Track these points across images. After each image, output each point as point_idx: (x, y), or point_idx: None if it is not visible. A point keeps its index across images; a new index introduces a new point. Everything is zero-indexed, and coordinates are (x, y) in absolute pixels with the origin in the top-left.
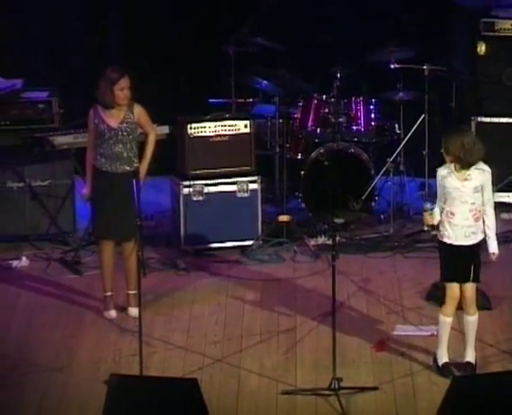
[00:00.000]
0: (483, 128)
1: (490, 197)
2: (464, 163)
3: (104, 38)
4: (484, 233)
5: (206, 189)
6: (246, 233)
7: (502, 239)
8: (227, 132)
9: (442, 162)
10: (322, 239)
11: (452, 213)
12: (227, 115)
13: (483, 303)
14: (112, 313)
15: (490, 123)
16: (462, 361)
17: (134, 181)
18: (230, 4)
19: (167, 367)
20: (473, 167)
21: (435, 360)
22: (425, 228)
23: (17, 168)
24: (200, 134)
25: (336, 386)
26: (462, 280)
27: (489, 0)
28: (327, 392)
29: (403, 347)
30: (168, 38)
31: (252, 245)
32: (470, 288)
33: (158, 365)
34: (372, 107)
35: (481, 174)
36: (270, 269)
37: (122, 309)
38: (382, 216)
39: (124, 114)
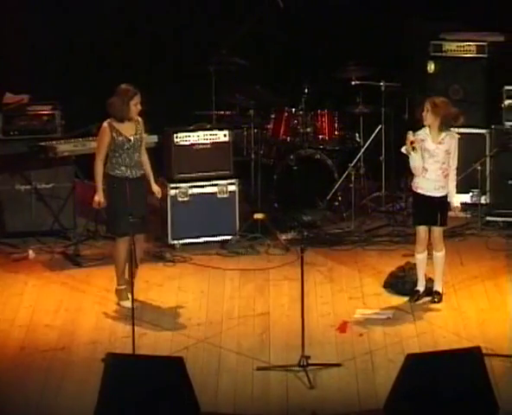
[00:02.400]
0: None
1: (455, 161)
2: (445, 124)
3: (103, 60)
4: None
5: (190, 191)
6: (225, 229)
7: (450, 234)
8: (209, 141)
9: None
10: (292, 234)
11: (426, 170)
12: (209, 126)
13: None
14: (128, 302)
15: None
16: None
17: (142, 184)
18: (210, 29)
19: (156, 346)
20: (444, 133)
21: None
22: (404, 149)
23: (24, 172)
24: (184, 142)
25: (305, 363)
26: (431, 224)
27: (437, 25)
28: (296, 369)
29: (363, 329)
30: (159, 60)
31: (231, 239)
32: (437, 230)
33: (149, 345)
34: (335, 119)
35: (451, 138)
36: (246, 260)
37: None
38: (344, 214)
39: (135, 126)
